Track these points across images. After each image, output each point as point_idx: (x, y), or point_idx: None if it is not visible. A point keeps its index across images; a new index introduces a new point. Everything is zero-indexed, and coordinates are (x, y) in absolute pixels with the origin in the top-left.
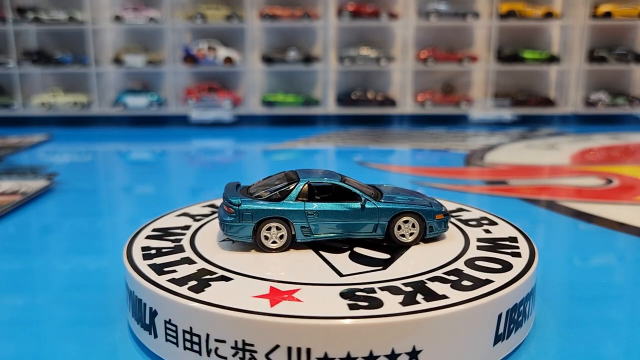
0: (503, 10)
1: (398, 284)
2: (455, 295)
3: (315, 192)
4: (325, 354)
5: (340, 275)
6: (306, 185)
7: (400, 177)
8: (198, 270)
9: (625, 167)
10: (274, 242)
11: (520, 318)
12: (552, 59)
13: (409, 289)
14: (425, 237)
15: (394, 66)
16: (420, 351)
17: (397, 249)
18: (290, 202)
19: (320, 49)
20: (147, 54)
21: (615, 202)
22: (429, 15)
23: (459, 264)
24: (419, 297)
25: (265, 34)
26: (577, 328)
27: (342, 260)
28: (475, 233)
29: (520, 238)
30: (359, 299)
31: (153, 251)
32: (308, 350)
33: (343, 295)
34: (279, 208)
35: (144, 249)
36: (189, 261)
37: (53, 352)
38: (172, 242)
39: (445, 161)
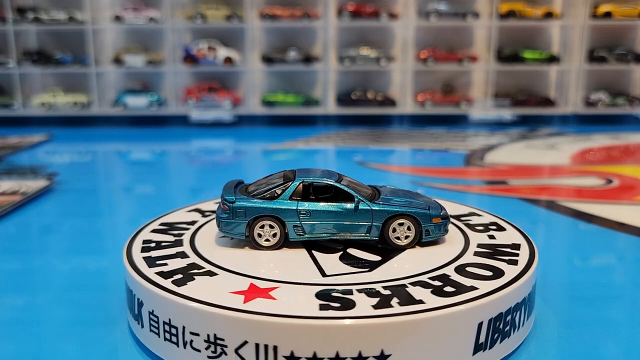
0: (503, 10)
1: (378, 286)
2: (433, 301)
3: (310, 192)
4: (292, 353)
5: (324, 275)
6: (300, 184)
7: (400, 177)
8: (187, 264)
9: (625, 167)
10: (267, 240)
11: (508, 328)
12: (552, 59)
13: (388, 292)
14: (422, 240)
15: (394, 66)
16: (389, 355)
17: (391, 251)
18: (284, 200)
19: (320, 49)
20: (147, 54)
21: (615, 202)
22: (429, 15)
23: (449, 269)
24: (394, 301)
25: (265, 34)
26: (577, 328)
27: (331, 260)
28: (477, 238)
29: (524, 246)
30: (334, 299)
31: (153, 244)
32: (275, 348)
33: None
34: (271, 206)
35: (145, 241)
36: (182, 255)
37: (53, 352)
38: (175, 236)
39: (445, 161)
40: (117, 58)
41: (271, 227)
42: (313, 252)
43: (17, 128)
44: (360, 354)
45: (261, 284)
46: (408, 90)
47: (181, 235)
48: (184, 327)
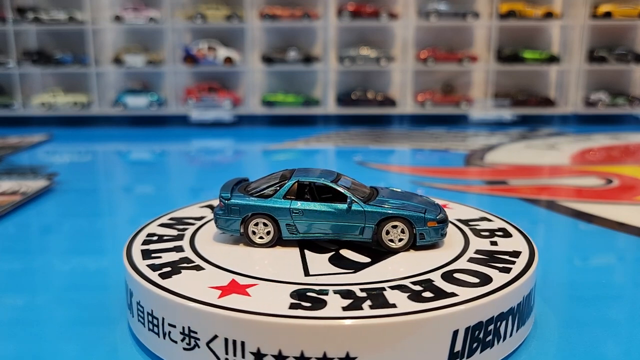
0: (503, 10)
1: (356, 288)
2: (405, 306)
3: (305, 192)
4: (258, 349)
5: (307, 275)
6: (295, 183)
7: (400, 177)
8: (180, 258)
9: (625, 167)
10: (261, 237)
11: (490, 338)
12: (552, 59)
13: (363, 294)
14: (417, 244)
15: (394, 66)
16: (354, 358)
17: (385, 253)
18: (277, 199)
19: (320, 49)
20: (147, 54)
21: (615, 202)
22: (429, 15)
23: (435, 275)
24: (367, 303)
25: (265, 34)
26: (577, 328)
27: (319, 260)
28: (478, 244)
29: (525, 254)
30: (307, 299)
31: (155, 237)
32: (242, 344)
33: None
34: (265, 204)
35: (149, 234)
36: (178, 249)
37: (53, 352)
38: (179, 230)
39: (445, 161)
40: (117, 58)
41: (265, 225)
42: (305, 251)
43: (17, 128)
44: (325, 354)
45: (242, 280)
46: (408, 90)
47: (185, 230)
48: (163, 319)
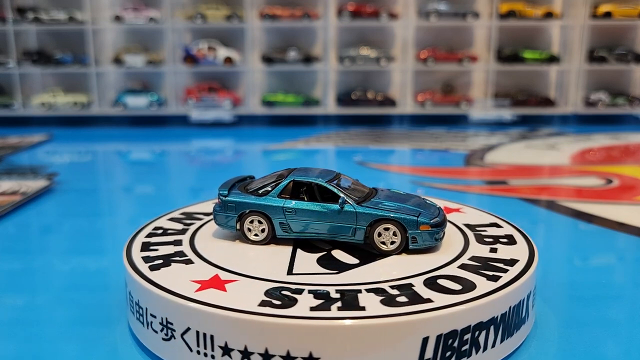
0: (503, 10)
1: (332, 289)
2: (374, 309)
3: (301, 191)
4: (226, 344)
5: (289, 273)
6: (290, 183)
7: (400, 177)
8: (174, 252)
9: (625, 167)
10: (256, 235)
11: (467, 348)
12: (552, 59)
13: (337, 295)
14: (409, 247)
15: (394, 66)
16: (318, 358)
17: (377, 255)
18: (272, 198)
19: (320, 49)
20: (147, 54)
21: (615, 202)
22: (429, 15)
23: (417, 280)
24: (336, 305)
25: (265, 34)
26: (577, 328)
27: (308, 260)
28: (476, 250)
29: (521, 263)
30: (280, 297)
31: (160, 231)
32: (212, 337)
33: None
34: (259, 202)
35: (155, 228)
36: (176, 243)
37: (53, 352)
38: (185, 225)
39: (445, 161)
40: (117, 58)
41: (260, 222)
42: (298, 250)
43: (17, 128)
44: (288, 353)
45: (224, 276)
46: (408, 90)
47: (191, 224)
48: (146, 309)
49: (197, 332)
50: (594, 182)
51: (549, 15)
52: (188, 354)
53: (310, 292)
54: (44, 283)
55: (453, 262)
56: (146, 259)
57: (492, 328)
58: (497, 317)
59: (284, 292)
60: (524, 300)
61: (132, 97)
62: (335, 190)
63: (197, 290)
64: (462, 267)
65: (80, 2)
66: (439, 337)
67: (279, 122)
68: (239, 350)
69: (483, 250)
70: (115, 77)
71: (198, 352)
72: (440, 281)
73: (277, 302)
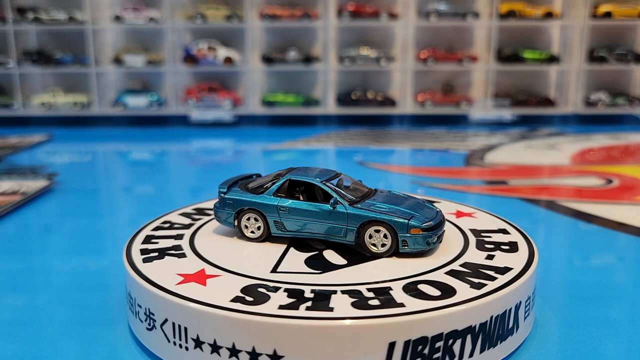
0: (503, 10)
1: (307, 289)
2: (342, 311)
3: (297, 190)
4: (198, 336)
5: (273, 271)
6: (286, 182)
7: (400, 177)
8: (172, 245)
9: (625, 167)
10: (252, 232)
11: (439, 355)
12: (552, 59)
13: (311, 295)
14: (399, 251)
15: (394, 66)
16: (282, 357)
17: (367, 257)
18: (267, 196)
19: (320, 49)
20: (147, 54)
21: (615, 202)
22: (429, 15)
23: (397, 284)
24: (305, 304)
25: (265, 34)
26: (577, 328)
27: (296, 258)
28: (472, 256)
29: (514, 271)
30: (253, 295)
31: (167, 225)
32: (185, 329)
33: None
34: (254, 200)
35: (164, 222)
36: (177, 237)
37: (53, 352)
38: (193, 220)
39: (445, 161)
40: (117, 58)
41: (256, 220)
42: (291, 249)
43: (17, 128)
44: (254, 349)
45: (210, 271)
46: (408, 90)
47: (198, 220)
48: (135, 299)
49: (173, 324)
50: (594, 182)
51: (549, 15)
52: (166, 344)
53: (285, 290)
54: (44, 283)
55: (443, 267)
56: (143, 251)
57: (469, 337)
58: (475, 326)
59: (260, 290)
60: (511, 310)
61: (132, 97)
62: (328, 190)
63: (178, 283)
64: (450, 273)
65: (80, 2)
66: (407, 342)
67: (279, 122)
68: (209, 344)
69: (479, 257)
70: (115, 77)
71: (174, 343)
72: (421, 286)
73: (250, 299)
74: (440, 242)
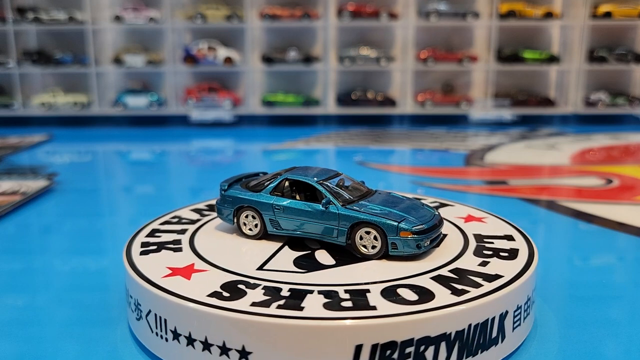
0: (503, 10)
1: (285, 287)
2: (311, 311)
3: (294, 189)
4: (175, 328)
5: (259, 269)
6: (283, 181)
7: (400, 177)
8: (173, 239)
9: (625, 167)
10: (250, 229)
11: None
12: (552, 59)
13: (287, 293)
14: (389, 253)
15: (394, 66)
16: (250, 352)
17: (357, 259)
18: (264, 194)
19: (320, 49)
20: (147, 54)
21: (615, 202)
22: (429, 15)
23: (376, 287)
24: (277, 302)
25: (265, 34)
26: (577, 328)
27: (287, 257)
28: (465, 262)
29: (503, 279)
30: (234, 290)
31: (176, 219)
32: (165, 321)
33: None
34: (251, 198)
35: (175, 217)
36: (180, 232)
37: (53, 352)
38: (201, 216)
39: (445, 161)
40: (117, 58)
41: (253, 218)
42: (285, 247)
43: (17, 128)
44: (224, 343)
45: (199, 265)
46: (408, 90)
47: (206, 216)
48: (128, 290)
49: (155, 315)
50: (594, 182)
51: (549, 15)
52: (150, 334)
53: (263, 288)
54: (44, 283)
55: (430, 272)
56: (144, 244)
57: (443, 344)
58: (450, 333)
59: (239, 286)
60: (494, 319)
61: (132, 97)
62: (322, 190)
63: (164, 277)
64: (436, 278)
65: (80, 2)
66: (374, 346)
67: (279, 122)
68: (184, 336)
69: (472, 263)
70: (115, 77)
71: (156, 334)
72: (401, 290)
73: (227, 295)
74: (438, 245)
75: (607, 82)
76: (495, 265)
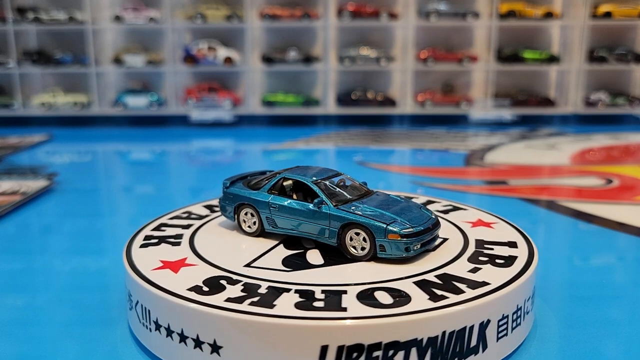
0: (503, 10)
1: (265, 284)
2: (282, 309)
3: (292, 188)
4: (157, 319)
5: (247, 265)
6: (282, 179)
7: (400, 177)
8: (175, 234)
9: (625, 167)
10: (249, 226)
11: None
12: (552, 59)
13: (264, 291)
14: (377, 255)
15: (394, 66)
16: (221, 347)
17: (346, 260)
18: (262, 193)
19: (320, 49)
20: (147, 54)
21: (615, 202)
22: (429, 15)
23: (354, 289)
24: (251, 299)
25: (265, 34)
26: (577, 328)
27: (278, 255)
28: (456, 268)
29: (490, 287)
30: (215, 285)
31: (185, 215)
32: (149, 312)
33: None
34: (249, 196)
35: (185, 212)
36: (184, 227)
37: (53, 352)
38: (212, 212)
39: (445, 161)
40: (117, 58)
41: (252, 215)
42: (280, 246)
43: (17, 128)
44: (198, 336)
45: (191, 260)
46: (408, 90)
47: (216, 212)
48: (124, 282)
49: (142, 306)
50: (594, 182)
51: (549, 15)
52: (138, 324)
53: (243, 284)
54: (44, 283)
55: (416, 276)
56: (147, 237)
57: (414, 350)
58: (422, 339)
59: (221, 282)
60: (472, 327)
61: (132, 97)
62: (316, 189)
63: (153, 269)
64: (419, 282)
65: (80, 2)
66: (340, 348)
67: (279, 122)
68: (164, 327)
69: (462, 269)
70: (115, 77)
71: (143, 324)
72: (377, 293)
73: (206, 289)
74: (434, 249)
75: (607, 82)
76: (486, 273)
